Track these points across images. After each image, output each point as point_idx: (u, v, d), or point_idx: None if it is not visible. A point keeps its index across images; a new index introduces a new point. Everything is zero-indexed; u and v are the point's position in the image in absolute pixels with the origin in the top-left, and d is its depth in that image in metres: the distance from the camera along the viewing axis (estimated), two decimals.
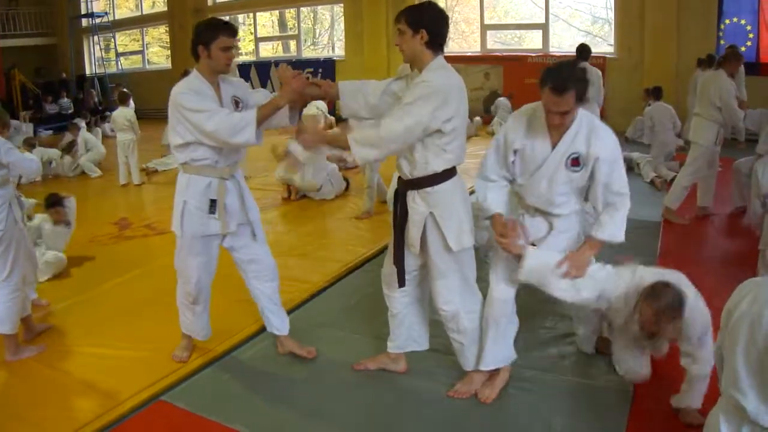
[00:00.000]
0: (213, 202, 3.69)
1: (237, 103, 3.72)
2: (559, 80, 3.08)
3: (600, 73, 8.31)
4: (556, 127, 3.26)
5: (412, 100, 3.16)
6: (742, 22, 11.95)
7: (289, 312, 4.69)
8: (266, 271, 4.02)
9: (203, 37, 3.56)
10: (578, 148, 3.28)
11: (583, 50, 7.91)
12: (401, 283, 3.58)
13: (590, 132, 3.27)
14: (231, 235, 3.82)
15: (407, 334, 3.80)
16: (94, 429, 3.45)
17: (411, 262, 3.56)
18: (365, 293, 5.08)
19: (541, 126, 3.33)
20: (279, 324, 4.13)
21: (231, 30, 3.60)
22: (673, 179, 7.26)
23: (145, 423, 3.53)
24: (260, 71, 17.71)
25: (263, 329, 4.36)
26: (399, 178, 3.47)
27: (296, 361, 4.07)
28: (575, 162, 3.30)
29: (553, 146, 3.32)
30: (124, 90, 11.16)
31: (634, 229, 6.24)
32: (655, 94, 9.61)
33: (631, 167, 9.11)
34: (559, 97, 3.09)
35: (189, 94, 3.53)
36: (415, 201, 3.37)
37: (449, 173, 3.34)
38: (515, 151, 3.39)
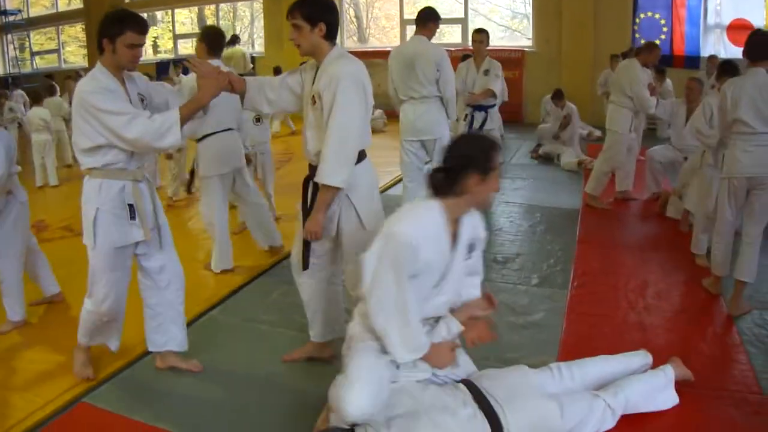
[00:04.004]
0: (131, 207, 3.40)
1: (142, 100, 3.48)
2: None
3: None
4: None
5: (343, 101, 3.17)
6: (656, 16, 12.26)
7: (212, 308, 4.62)
8: (176, 280, 3.73)
9: (109, 31, 3.24)
10: (473, 233, 3.02)
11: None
12: (305, 265, 3.52)
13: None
14: (144, 242, 3.52)
15: (324, 320, 3.73)
16: None
17: (319, 247, 3.52)
18: (284, 289, 4.90)
19: (440, 224, 2.88)
20: (182, 337, 3.81)
21: (140, 26, 3.28)
22: None
23: (67, 426, 3.33)
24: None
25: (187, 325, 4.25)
26: (310, 165, 3.43)
27: (224, 356, 3.93)
28: (472, 248, 3.05)
29: (453, 244, 2.94)
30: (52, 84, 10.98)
31: (555, 216, 6.58)
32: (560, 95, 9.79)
33: (551, 158, 9.28)
34: None
35: (101, 94, 3.20)
36: None
37: (361, 156, 3.33)
38: (424, 264, 2.87)
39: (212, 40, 5.06)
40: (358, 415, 2.66)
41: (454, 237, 2.92)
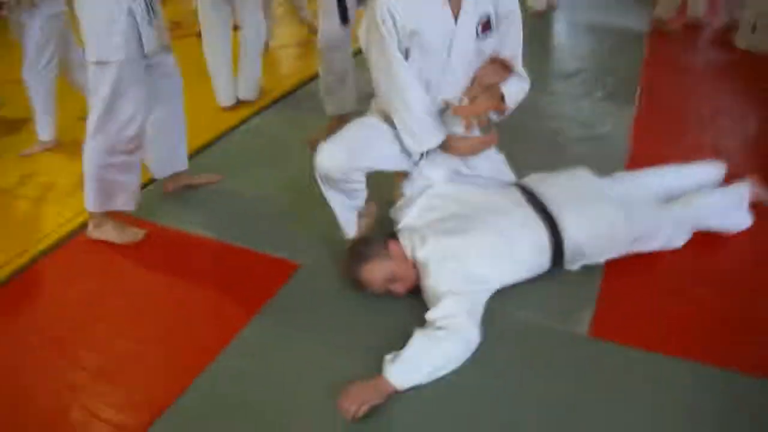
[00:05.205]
0: (149, 6, 2.87)
1: None
2: None
3: None
4: None
5: None
6: None
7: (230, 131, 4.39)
8: (180, 88, 3.31)
9: None
10: (486, 8, 2.61)
11: None
12: (344, 18, 3.62)
13: None
14: (158, 46, 3.04)
15: (353, 88, 3.90)
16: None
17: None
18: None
19: None
20: (185, 155, 3.52)
21: None
22: None
23: None
24: None
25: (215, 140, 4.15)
26: None
27: (250, 174, 3.73)
28: (486, 26, 2.63)
29: (456, 16, 2.56)
30: None
31: (620, 37, 6.17)
32: None
33: None
34: None
35: None
36: None
37: None
38: (412, 34, 2.54)
39: None
40: (326, 167, 2.63)
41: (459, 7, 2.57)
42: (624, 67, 5.17)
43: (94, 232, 3.15)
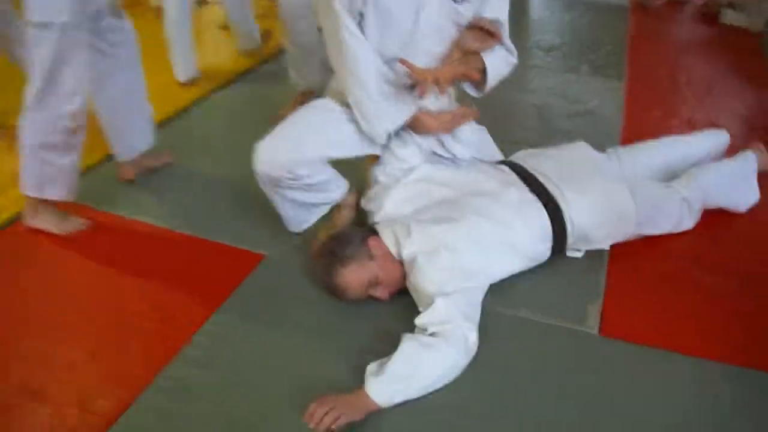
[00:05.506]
0: None
1: None
2: None
3: None
4: None
5: None
6: None
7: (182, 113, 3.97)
8: (137, 55, 2.96)
9: None
10: None
11: None
12: None
13: None
14: (105, 9, 2.72)
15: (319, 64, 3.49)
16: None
17: None
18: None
19: None
20: (150, 130, 3.14)
21: None
22: None
23: None
24: None
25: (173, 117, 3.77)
26: None
27: (200, 158, 3.38)
28: None
29: None
30: None
31: (601, 11, 5.89)
32: None
33: None
34: None
35: None
36: None
37: None
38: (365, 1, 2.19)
39: None
40: (265, 165, 2.27)
41: None
42: (608, 42, 4.94)
43: (30, 220, 2.79)
